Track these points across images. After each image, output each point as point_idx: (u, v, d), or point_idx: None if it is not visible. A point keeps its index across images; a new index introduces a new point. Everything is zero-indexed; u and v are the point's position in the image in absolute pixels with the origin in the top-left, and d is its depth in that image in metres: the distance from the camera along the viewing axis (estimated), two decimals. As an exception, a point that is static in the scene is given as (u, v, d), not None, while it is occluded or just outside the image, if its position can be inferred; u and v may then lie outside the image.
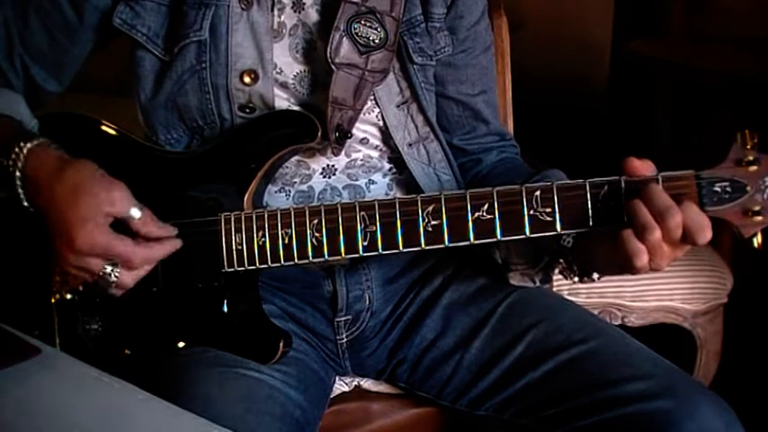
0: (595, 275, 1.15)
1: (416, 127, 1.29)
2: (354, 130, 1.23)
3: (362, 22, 1.20)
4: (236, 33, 1.20)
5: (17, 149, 1.12)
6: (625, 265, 1.04)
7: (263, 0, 1.21)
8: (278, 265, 1.15)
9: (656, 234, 1.01)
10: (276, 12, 1.22)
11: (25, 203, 1.14)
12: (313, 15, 1.23)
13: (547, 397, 1.19)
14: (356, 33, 1.19)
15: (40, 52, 1.27)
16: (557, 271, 1.22)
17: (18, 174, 1.12)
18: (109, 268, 1.11)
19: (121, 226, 1.11)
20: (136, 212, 1.11)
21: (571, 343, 1.20)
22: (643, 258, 1.02)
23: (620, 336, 1.23)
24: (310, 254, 1.14)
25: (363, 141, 1.28)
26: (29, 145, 1.13)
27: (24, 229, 1.17)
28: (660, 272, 1.06)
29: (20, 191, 1.13)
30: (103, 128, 1.24)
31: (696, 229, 1.01)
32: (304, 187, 1.27)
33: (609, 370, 1.16)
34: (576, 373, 1.18)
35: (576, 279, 1.18)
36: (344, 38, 1.19)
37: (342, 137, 1.20)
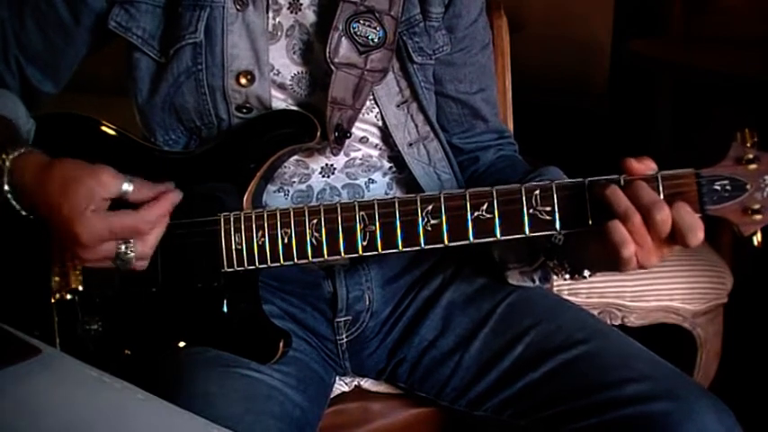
0: (586, 273, 1.15)
1: (416, 126, 1.29)
2: (354, 129, 1.23)
3: (361, 22, 1.19)
4: (231, 35, 1.20)
5: (0, 161, 1.12)
6: (612, 257, 1.04)
7: (258, 1, 1.20)
8: (277, 265, 1.15)
9: (637, 219, 1.01)
10: (272, 13, 1.22)
11: (24, 213, 1.14)
12: (310, 16, 1.22)
13: (546, 398, 1.19)
14: (355, 33, 1.19)
15: (36, 53, 1.27)
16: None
17: (7, 187, 1.12)
18: (123, 247, 1.10)
19: (120, 204, 1.10)
20: (128, 186, 1.10)
21: (570, 344, 1.20)
22: (629, 248, 1.02)
23: (619, 337, 1.23)
24: (310, 254, 1.13)
25: (363, 140, 1.28)
26: (11, 156, 1.12)
27: (24, 229, 1.17)
28: (656, 271, 1.05)
29: (14, 203, 1.13)
30: (103, 128, 1.24)
31: (687, 229, 1.00)
32: (303, 187, 1.27)
33: (608, 371, 1.16)
34: (575, 375, 1.18)
35: (567, 277, 1.18)
36: (343, 37, 1.18)
37: (341, 136, 1.20)
